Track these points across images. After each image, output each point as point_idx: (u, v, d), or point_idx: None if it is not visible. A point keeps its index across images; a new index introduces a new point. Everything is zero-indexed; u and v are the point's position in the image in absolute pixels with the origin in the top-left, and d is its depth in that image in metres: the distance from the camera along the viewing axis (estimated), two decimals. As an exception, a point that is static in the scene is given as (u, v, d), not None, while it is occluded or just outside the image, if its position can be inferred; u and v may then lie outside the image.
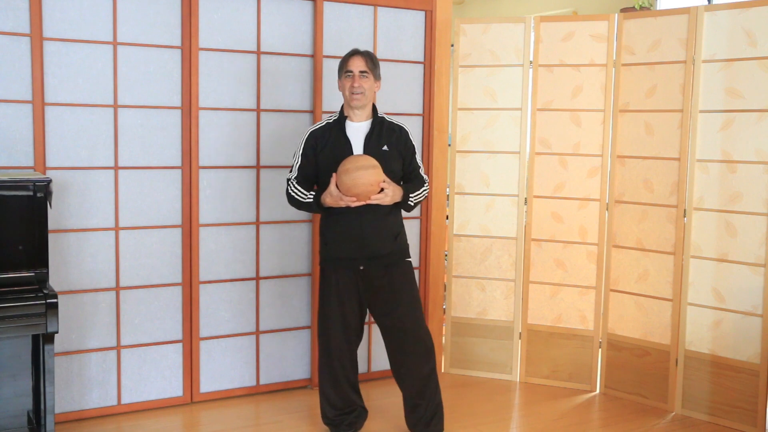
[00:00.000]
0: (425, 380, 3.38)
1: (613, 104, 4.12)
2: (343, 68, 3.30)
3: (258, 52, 3.90)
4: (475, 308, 4.42)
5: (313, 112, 4.05)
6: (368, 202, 3.16)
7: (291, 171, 3.38)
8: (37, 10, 3.38)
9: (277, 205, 4.02)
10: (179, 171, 3.77)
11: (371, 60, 3.31)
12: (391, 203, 3.22)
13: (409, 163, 3.36)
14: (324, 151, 3.29)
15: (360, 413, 3.52)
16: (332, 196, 3.16)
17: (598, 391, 4.24)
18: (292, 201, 3.36)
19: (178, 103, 3.74)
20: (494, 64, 4.31)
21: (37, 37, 3.39)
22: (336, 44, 4.07)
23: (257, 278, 4.01)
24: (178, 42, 3.71)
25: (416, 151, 3.40)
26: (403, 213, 3.44)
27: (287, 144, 4.01)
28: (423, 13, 4.30)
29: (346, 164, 3.14)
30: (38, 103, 3.41)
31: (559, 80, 4.22)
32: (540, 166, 4.29)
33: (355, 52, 3.31)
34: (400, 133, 3.35)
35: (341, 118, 3.33)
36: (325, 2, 4.01)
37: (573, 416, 3.89)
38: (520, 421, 3.85)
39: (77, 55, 3.50)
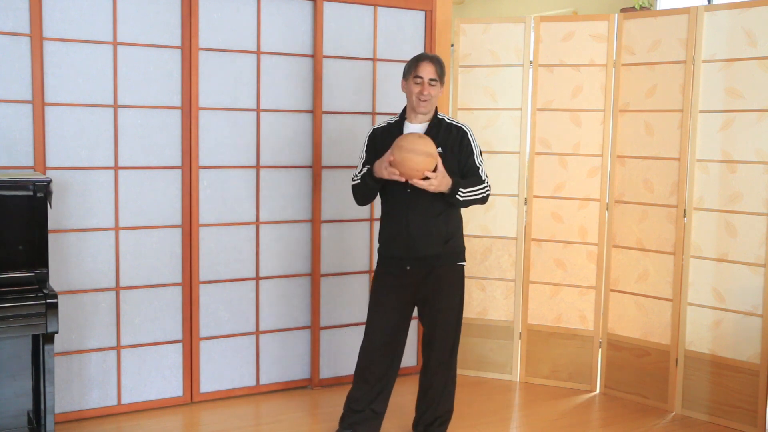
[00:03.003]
0: (437, 386, 3.39)
1: (613, 104, 4.12)
2: (412, 72, 3.24)
3: (258, 52, 3.90)
4: (475, 308, 4.42)
5: (313, 112, 4.05)
6: (413, 183, 3.10)
7: (356, 173, 3.36)
8: (37, 10, 3.38)
9: (277, 205, 4.02)
10: (179, 171, 3.77)
11: (440, 67, 3.27)
12: (436, 191, 3.13)
13: (464, 163, 3.27)
14: (382, 150, 3.24)
15: (367, 418, 3.41)
16: (380, 162, 3.13)
17: (598, 391, 4.24)
18: (355, 193, 3.35)
19: (178, 103, 3.74)
20: (494, 64, 4.31)
21: (37, 37, 3.39)
22: (336, 44, 4.07)
23: (257, 278, 4.01)
24: (178, 42, 3.71)
25: (475, 151, 3.29)
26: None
27: (287, 144, 4.01)
28: (423, 13, 4.30)
29: (403, 141, 3.10)
30: (38, 103, 3.42)
31: (559, 80, 4.22)
32: (540, 166, 4.29)
33: (425, 58, 3.26)
34: (458, 134, 3.27)
35: (401, 120, 3.33)
36: (325, 2, 4.01)
37: (573, 416, 3.89)
38: (520, 421, 3.85)
39: (77, 55, 3.50)
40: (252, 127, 3.93)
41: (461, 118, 4.37)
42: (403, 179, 3.11)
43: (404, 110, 3.37)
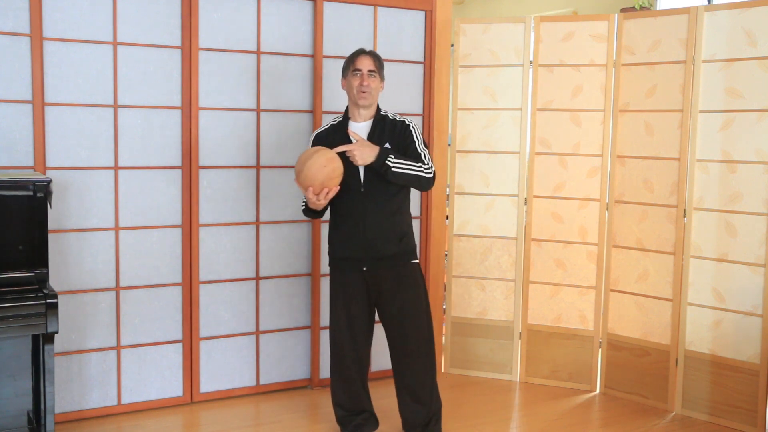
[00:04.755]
0: (425, 383, 3.36)
1: (613, 104, 4.12)
2: (351, 67, 3.27)
3: (258, 52, 3.90)
4: (475, 308, 4.42)
5: (313, 112, 4.05)
6: (351, 157, 3.09)
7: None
8: (37, 10, 3.38)
9: (277, 205, 4.02)
10: (179, 171, 3.77)
11: (378, 60, 3.30)
12: (363, 161, 3.10)
13: (405, 151, 3.25)
14: None
15: (368, 418, 3.49)
16: (310, 200, 3.12)
17: (598, 391, 4.24)
18: (306, 215, 3.39)
19: (178, 103, 3.74)
20: (494, 64, 4.31)
21: (37, 37, 3.39)
22: (336, 44, 4.07)
23: (257, 278, 4.01)
24: (178, 42, 3.71)
25: (416, 140, 3.27)
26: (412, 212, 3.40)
27: (287, 144, 4.01)
28: (423, 13, 4.30)
29: (296, 169, 3.11)
30: (38, 103, 3.42)
31: (559, 80, 4.22)
32: (540, 166, 4.29)
33: (362, 52, 3.29)
34: (402, 127, 3.28)
35: (345, 120, 3.33)
36: (325, 2, 4.01)
37: (573, 416, 3.89)
38: (520, 421, 3.85)
39: (77, 55, 3.50)
40: (252, 127, 3.93)
41: (461, 118, 4.37)
42: (326, 191, 3.08)
43: (347, 110, 3.36)
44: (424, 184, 3.24)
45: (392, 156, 3.14)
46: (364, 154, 3.10)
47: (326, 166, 3.04)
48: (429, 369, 3.37)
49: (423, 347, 3.35)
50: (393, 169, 3.13)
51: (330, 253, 3.41)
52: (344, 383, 3.43)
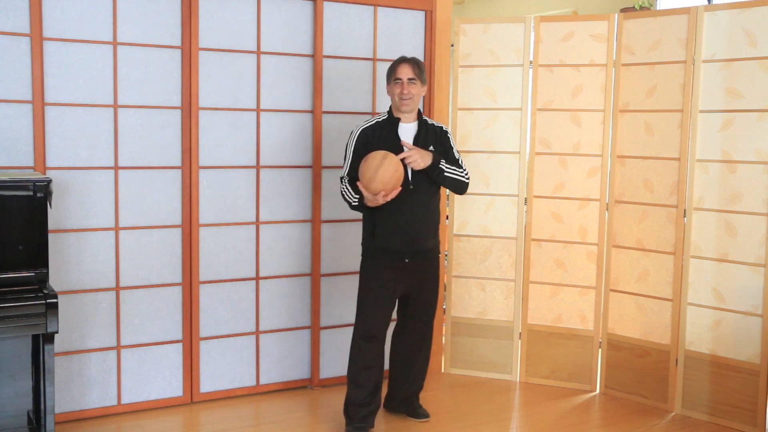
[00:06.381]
0: (423, 361, 3.72)
1: (613, 104, 4.12)
2: (392, 75, 3.47)
3: (258, 52, 3.90)
4: (475, 308, 4.42)
5: (313, 112, 4.05)
6: (406, 161, 3.34)
7: (343, 169, 3.51)
8: (37, 10, 3.38)
9: (277, 205, 4.02)
10: (179, 171, 3.77)
11: (418, 67, 3.47)
12: (424, 164, 3.36)
13: (445, 157, 3.50)
14: (376, 147, 3.40)
15: (373, 411, 3.57)
16: (374, 201, 3.31)
17: (598, 391, 4.24)
18: (345, 200, 3.49)
19: (178, 103, 3.74)
20: (494, 64, 4.31)
21: (37, 37, 3.39)
22: (336, 44, 4.07)
23: (257, 278, 4.01)
24: (178, 42, 3.71)
25: (453, 147, 3.58)
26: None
27: (287, 144, 4.02)
28: (423, 13, 4.30)
29: (365, 174, 3.28)
30: (38, 103, 3.42)
31: (559, 80, 4.22)
32: (540, 166, 4.29)
33: (403, 60, 3.48)
34: (441, 133, 3.56)
35: (393, 119, 3.50)
36: (325, 2, 4.01)
37: (573, 416, 3.89)
38: (520, 421, 3.85)
39: (77, 55, 3.50)
40: (252, 127, 3.93)
41: (461, 118, 4.37)
42: (394, 192, 3.31)
43: (390, 111, 3.54)
44: (464, 189, 3.58)
45: (443, 161, 3.44)
46: (424, 159, 3.37)
47: (396, 171, 3.29)
48: (428, 350, 3.73)
49: (430, 332, 3.70)
50: (445, 174, 3.45)
51: (369, 246, 3.52)
52: (366, 374, 3.49)
